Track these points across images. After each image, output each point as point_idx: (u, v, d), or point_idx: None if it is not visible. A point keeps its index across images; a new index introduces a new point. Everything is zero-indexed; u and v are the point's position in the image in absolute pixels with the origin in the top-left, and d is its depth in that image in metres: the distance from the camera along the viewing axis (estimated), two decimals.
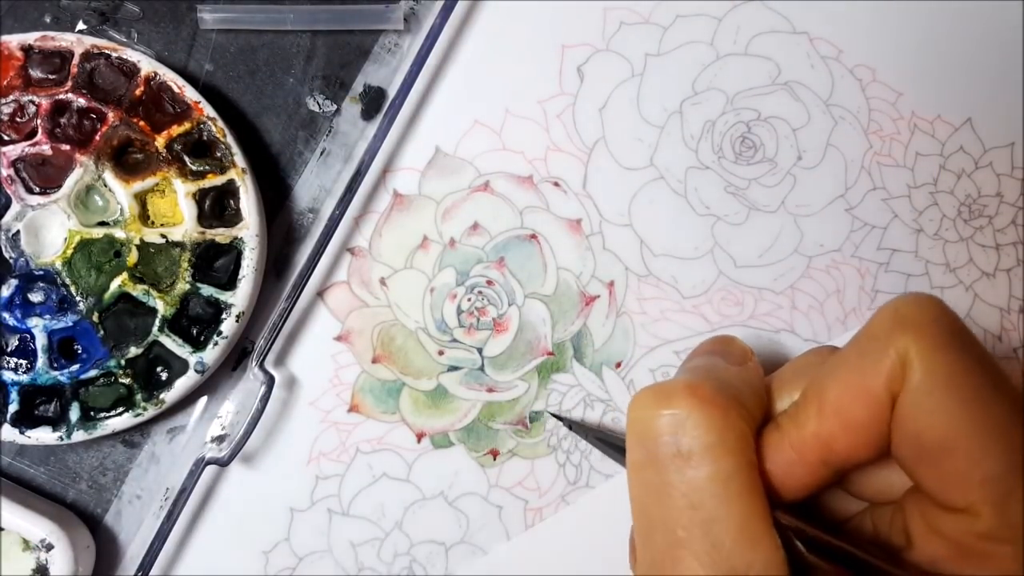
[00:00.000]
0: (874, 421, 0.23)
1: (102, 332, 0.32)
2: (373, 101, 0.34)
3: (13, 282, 0.32)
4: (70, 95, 0.32)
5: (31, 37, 0.32)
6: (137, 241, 0.32)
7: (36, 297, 0.32)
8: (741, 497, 0.22)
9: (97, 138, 0.32)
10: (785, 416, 0.25)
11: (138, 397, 0.32)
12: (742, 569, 0.22)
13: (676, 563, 0.23)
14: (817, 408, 0.24)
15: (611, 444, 0.32)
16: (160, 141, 0.32)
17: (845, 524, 0.27)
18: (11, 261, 0.32)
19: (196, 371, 0.32)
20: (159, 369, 0.32)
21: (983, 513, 0.22)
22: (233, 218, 0.33)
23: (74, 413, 0.32)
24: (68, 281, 0.32)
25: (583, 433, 0.33)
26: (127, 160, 0.33)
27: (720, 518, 0.22)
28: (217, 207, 0.33)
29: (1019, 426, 0.22)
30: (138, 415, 0.32)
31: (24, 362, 0.32)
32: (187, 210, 0.32)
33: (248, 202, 0.32)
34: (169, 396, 0.32)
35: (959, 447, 0.22)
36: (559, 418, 0.34)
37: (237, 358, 0.34)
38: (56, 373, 0.32)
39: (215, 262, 0.32)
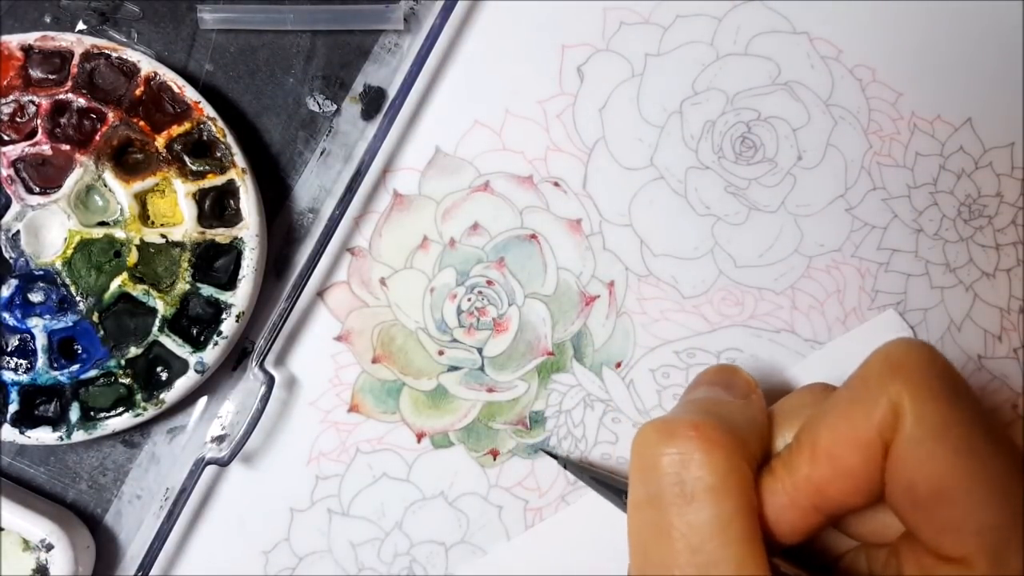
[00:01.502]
0: (867, 468, 0.22)
1: (102, 332, 0.32)
2: (373, 101, 0.34)
3: (13, 282, 0.32)
4: (70, 95, 0.32)
5: (31, 37, 0.32)
6: (137, 241, 0.32)
7: (36, 297, 0.32)
8: (740, 542, 0.22)
9: (97, 138, 0.32)
10: (779, 460, 0.25)
11: (138, 397, 0.32)
12: None
13: None
14: (810, 453, 0.23)
15: (606, 485, 0.31)
16: (160, 141, 0.32)
17: (839, 562, 0.27)
18: (11, 261, 0.32)
19: (196, 371, 0.32)
20: (159, 369, 0.32)
21: (978, 564, 0.21)
22: (233, 218, 0.33)
23: (74, 413, 0.32)
24: (68, 281, 0.32)
25: (578, 473, 0.33)
26: (127, 160, 0.33)
27: (718, 562, 0.22)
28: (217, 207, 0.33)
29: (1014, 476, 0.22)
30: (138, 415, 0.32)
31: (24, 362, 0.32)
32: (187, 210, 0.32)
33: (248, 202, 0.32)
34: (169, 396, 0.32)
35: (953, 497, 0.21)
36: (555, 456, 0.34)
37: (237, 358, 0.34)
38: (56, 373, 0.32)
39: (215, 262, 0.32)
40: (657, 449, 0.24)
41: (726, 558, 0.22)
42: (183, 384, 0.32)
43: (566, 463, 0.33)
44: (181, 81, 0.32)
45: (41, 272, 0.32)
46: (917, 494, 0.22)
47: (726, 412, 0.25)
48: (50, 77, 0.32)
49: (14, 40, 0.32)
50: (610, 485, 0.31)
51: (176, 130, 0.32)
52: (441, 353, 0.34)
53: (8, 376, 0.31)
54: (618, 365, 0.34)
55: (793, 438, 0.25)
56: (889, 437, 0.22)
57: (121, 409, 0.32)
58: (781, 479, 0.24)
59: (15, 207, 0.32)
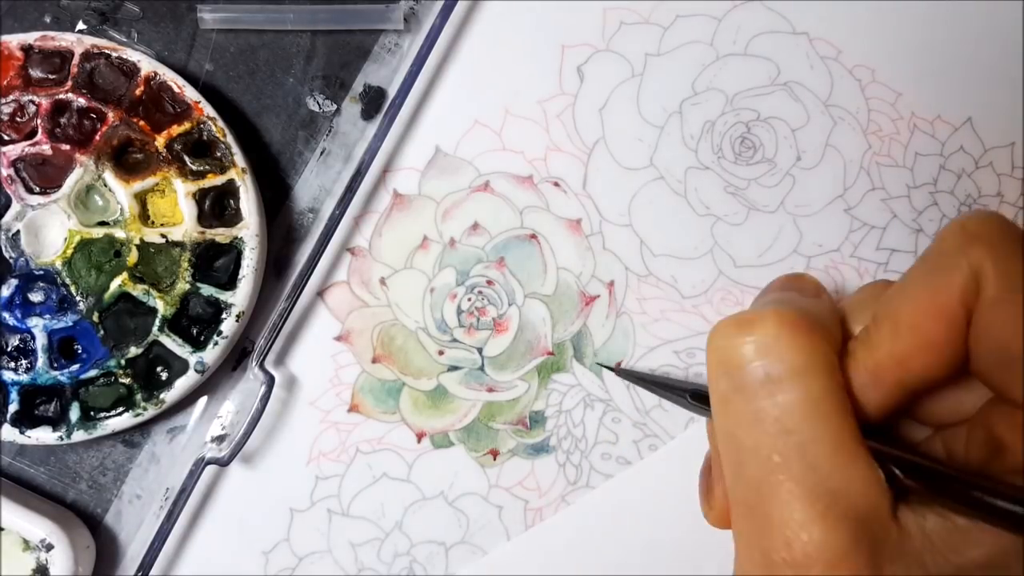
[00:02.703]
0: (950, 336, 0.22)
1: (102, 332, 0.32)
2: (373, 101, 0.34)
3: (13, 282, 0.32)
4: (70, 95, 0.32)
5: (31, 37, 0.32)
6: (137, 241, 0.32)
7: (36, 297, 0.32)
8: (834, 418, 0.22)
9: (97, 138, 0.32)
10: (856, 342, 0.24)
11: (138, 397, 0.32)
12: (841, 491, 0.22)
13: (774, 488, 0.22)
14: (891, 329, 0.23)
15: (668, 387, 0.31)
16: (160, 141, 0.32)
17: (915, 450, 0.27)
18: (11, 261, 0.32)
19: (196, 371, 0.32)
20: (159, 369, 0.32)
21: None
22: (233, 218, 0.33)
23: (74, 413, 0.32)
24: (68, 281, 0.32)
25: (636, 380, 0.33)
26: (127, 160, 0.33)
27: (815, 439, 0.22)
28: (217, 207, 0.33)
29: None
30: (138, 415, 0.32)
31: (24, 362, 0.32)
32: (187, 210, 0.32)
33: (248, 202, 0.32)
34: (169, 396, 0.32)
35: None
36: (609, 368, 0.34)
37: (237, 358, 0.34)
38: (56, 373, 0.32)
39: (215, 262, 0.32)
40: (738, 340, 0.23)
41: (821, 435, 0.22)
42: (183, 384, 0.32)
43: (619, 371, 0.34)
44: (181, 81, 0.32)
45: (41, 272, 0.32)
46: (1007, 353, 0.22)
47: (801, 304, 0.25)
48: (50, 77, 0.32)
49: (14, 40, 0.32)
50: (672, 387, 0.31)
51: (176, 130, 0.32)
52: (441, 353, 0.34)
53: (8, 376, 0.31)
54: (618, 365, 0.34)
55: (871, 319, 0.24)
56: (972, 302, 0.22)
57: (121, 409, 0.32)
58: (862, 360, 0.24)
59: (15, 207, 0.32)
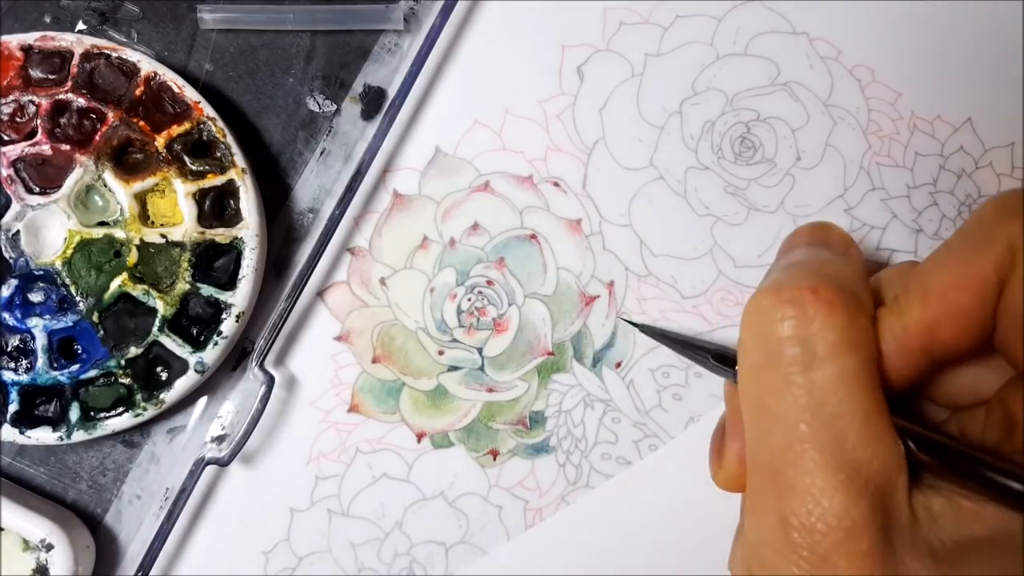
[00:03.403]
0: (981, 307, 0.23)
1: (102, 332, 0.32)
2: (373, 101, 0.34)
3: (13, 282, 0.32)
4: (70, 95, 0.32)
5: (31, 37, 0.32)
6: (137, 241, 0.32)
7: (36, 297, 0.32)
8: (865, 393, 0.23)
9: (97, 138, 0.32)
10: (885, 309, 0.25)
11: (138, 397, 0.32)
12: (864, 464, 0.22)
13: (798, 457, 0.22)
14: (922, 296, 0.24)
15: (693, 347, 0.31)
16: (160, 141, 0.32)
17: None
18: (11, 261, 0.32)
19: (196, 371, 0.32)
20: (159, 369, 0.32)
21: None
22: (233, 218, 0.33)
23: (74, 413, 0.32)
24: (68, 281, 0.32)
25: (659, 338, 0.33)
26: (127, 160, 0.33)
27: (845, 412, 0.22)
28: (217, 207, 0.33)
29: None
30: (138, 415, 0.32)
31: (24, 362, 0.32)
32: (187, 210, 0.32)
33: (248, 202, 0.32)
34: (169, 396, 0.32)
35: None
36: (633, 324, 0.34)
37: (237, 358, 0.34)
38: (56, 373, 0.32)
39: (215, 262, 0.32)
40: (775, 314, 0.24)
41: (852, 410, 0.22)
42: (183, 384, 0.32)
43: (643, 327, 0.34)
44: (181, 81, 0.32)
45: (41, 272, 0.32)
46: None
47: (833, 271, 0.25)
48: (50, 77, 0.32)
49: (14, 40, 0.32)
50: (695, 346, 0.31)
51: (176, 130, 0.32)
52: (441, 353, 0.34)
53: (8, 376, 0.31)
54: (618, 365, 0.34)
55: (902, 288, 0.25)
56: (1005, 275, 0.22)
57: (121, 409, 0.32)
58: (889, 326, 0.24)
59: (15, 207, 0.32)
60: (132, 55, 0.32)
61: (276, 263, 0.34)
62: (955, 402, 0.26)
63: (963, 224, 0.24)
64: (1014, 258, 0.22)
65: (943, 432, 0.25)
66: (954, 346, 0.24)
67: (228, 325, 0.32)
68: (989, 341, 0.23)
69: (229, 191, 0.32)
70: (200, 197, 0.32)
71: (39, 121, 0.32)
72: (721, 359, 0.29)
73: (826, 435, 0.22)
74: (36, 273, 0.32)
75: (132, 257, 0.32)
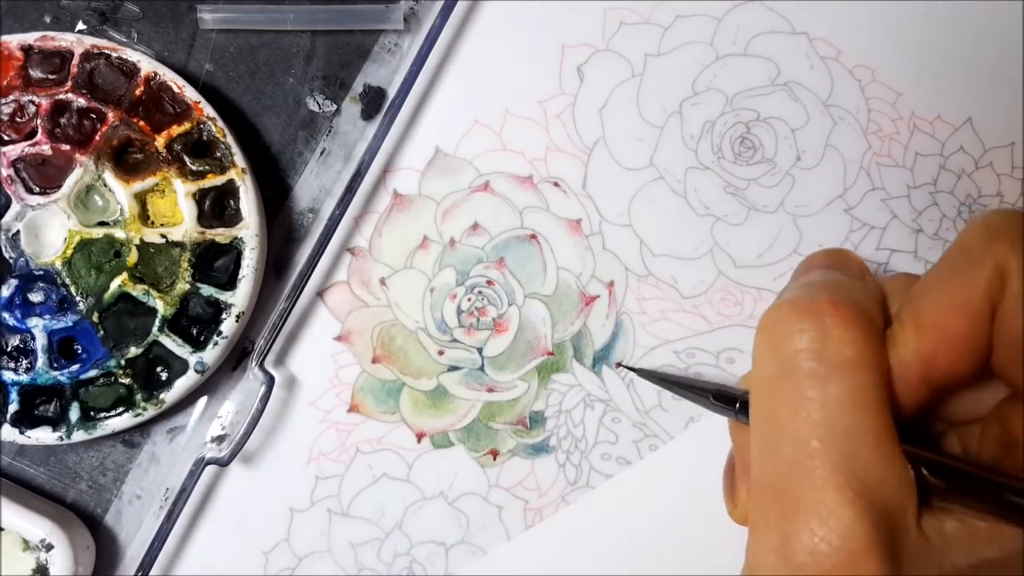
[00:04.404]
0: (975, 332, 0.23)
1: (102, 332, 0.32)
2: (373, 101, 0.34)
3: (13, 282, 0.32)
4: (70, 95, 0.32)
5: (31, 37, 0.32)
6: (137, 241, 0.32)
7: (36, 297, 0.32)
8: (878, 412, 0.22)
9: (97, 138, 0.32)
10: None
11: (138, 397, 0.32)
12: (874, 484, 0.22)
13: (808, 474, 0.22)
14: (915, 327, 0.23)
15: (689, 387, 0.31)
16: (160, 141, 0.32)
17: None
18: (11, 261, 0.32)
19: (196, 371, 0.32)
20: (159, 369, 0.32)
21: None
22: (233, 218, 0.33)
23: (74, 413, 0.32)
24: (68, 281, 0.32)
25: (657, 381, 0.33)
26: (127, 160, 0.33)
27: (858, 430, 0.22)
28: (217, 207, 0.33)
29: None
30: (138, 415, 0.32)
31: (24, 362, 0.32)
32: (187, 210, 0.32)
33: (248, 202, 0.32)
34: (169, 396, 0.32)
35: None
36: (630, 368, 0.34)
37: (237, 358, 0.34)
38: (56, 373, 0.32)
39: (215, 262, 0.32)
40: (792, 327, 0.23)
41: (866, 429, 0.22)
42: (183, 384, 0.32)
43: (642, 372, 0.34)
44: (181, 81, 0.32)
45: (41, 272, 0.32)
46: None
47: (849, 291, 0.25)
48: (50, 77, 0.32)
49: (14, 40, 0.32)
50: (693, 387, 0.31)
51: (176, 130, 0.32)
52: (441, 353, 0.34)
53: (8, 376, 0.31)
54: (618, 365, 0.34)
55: (894, 317, 0.25)
56: (996, 298, 0.22)
57: (121, 409, 0.32)
58: (888, 357, 0.24)
59: (15, 207, 0.32)
60: (132, 55, 0.32)
61: (276, 263, 0.34)
62: (953, 419, 0.26)
63: (948, 249, 0.24)
64: (1003, 280, 0.22)
65: (955, 457, 0.25)
66: (953, 373, 0.23)
67: (228, 325, 0.32)
68: (987, 365, 0.23)
69: (229, 191, 0.32)
70: (200, 197, 0.32)
71: (39, 121, 0.32)
72: (722, 398, 0.29)
73: (837, 452, 0.22)
74: (36, 273, 0.32)
75: (132, 257, 0.32)
